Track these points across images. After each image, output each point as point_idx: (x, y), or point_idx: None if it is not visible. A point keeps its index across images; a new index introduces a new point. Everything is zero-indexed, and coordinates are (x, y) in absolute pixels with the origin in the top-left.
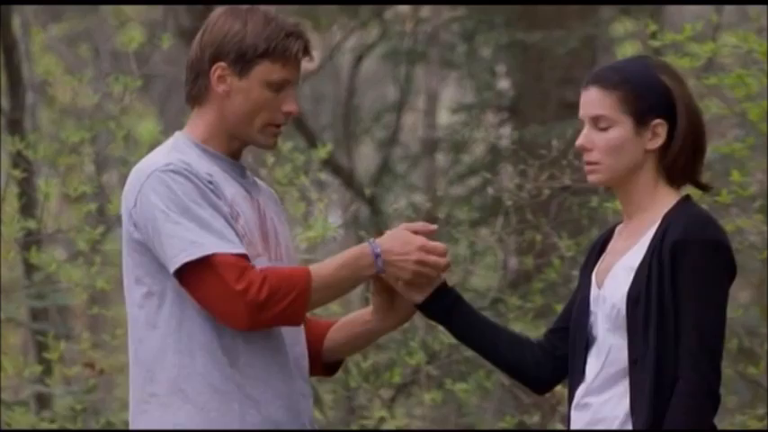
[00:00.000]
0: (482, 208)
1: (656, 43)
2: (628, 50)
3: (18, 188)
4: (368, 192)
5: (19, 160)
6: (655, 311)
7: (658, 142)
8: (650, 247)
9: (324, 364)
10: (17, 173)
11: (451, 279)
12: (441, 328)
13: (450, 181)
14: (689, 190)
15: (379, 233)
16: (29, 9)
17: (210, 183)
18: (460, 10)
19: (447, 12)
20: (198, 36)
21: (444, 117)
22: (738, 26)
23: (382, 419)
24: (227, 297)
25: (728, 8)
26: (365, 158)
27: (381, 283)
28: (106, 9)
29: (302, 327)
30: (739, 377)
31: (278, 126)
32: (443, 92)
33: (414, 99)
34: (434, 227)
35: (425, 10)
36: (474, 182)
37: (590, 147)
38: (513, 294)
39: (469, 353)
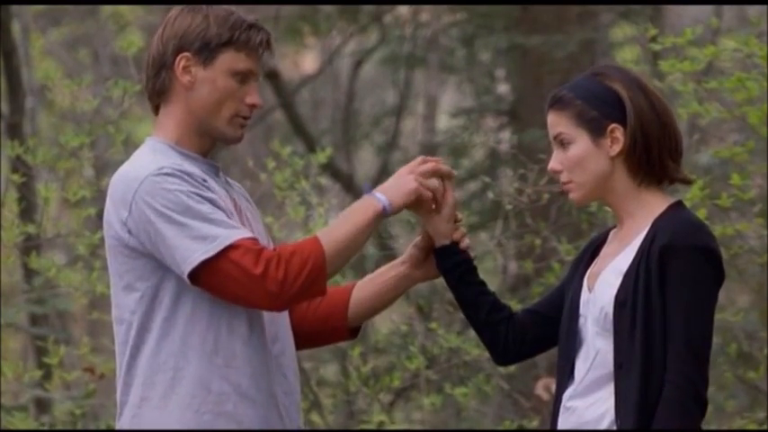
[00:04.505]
0: (481, 212)
1: (655, 47)
2: (627, 55)
3: (17, 193)
4: None
5: (18, 165)
6: (641, 316)
7: (619, 147)
8: (639, 251)
9: (349, 329)
10: (16, 177)
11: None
12: (440, 332)
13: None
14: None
15: (379, 237)
16: (28, 14)
17: (205, 180)
18: (460, 14)
19: (446, 16)
20: (158, 33)
21: (444, 121)
22: (738, 30)
23: (382, 424)
24: (250, 283)
25: (728, 12)
26: (365, 163)
27: (425, 241)
28: (105, 14)
29: (287, 322)
30: (739, 381)
31: (245, 118)
32: (443, 96)
33: (413, 103)
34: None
35: (425, 14)
36: (473, 186)
37: (559, 168)
38: (513, 298)
39: (469, 357)
